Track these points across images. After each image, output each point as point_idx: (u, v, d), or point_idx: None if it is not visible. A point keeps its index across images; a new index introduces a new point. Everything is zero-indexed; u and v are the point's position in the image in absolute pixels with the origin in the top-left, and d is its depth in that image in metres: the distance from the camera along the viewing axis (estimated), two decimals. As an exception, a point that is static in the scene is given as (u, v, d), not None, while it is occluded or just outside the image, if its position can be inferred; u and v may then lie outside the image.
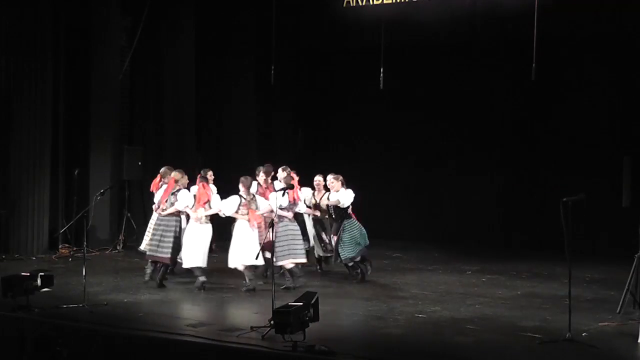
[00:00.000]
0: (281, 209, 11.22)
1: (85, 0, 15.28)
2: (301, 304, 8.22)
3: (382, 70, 13.97)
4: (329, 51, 17.21)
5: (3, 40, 14.31)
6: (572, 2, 13.88)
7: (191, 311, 10.25)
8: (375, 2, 15.35)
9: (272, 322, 8.34)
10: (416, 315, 9.78)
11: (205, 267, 11.44)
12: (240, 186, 11.20)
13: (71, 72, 15.24)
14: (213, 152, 16.71)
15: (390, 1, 15.18)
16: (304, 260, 11.61)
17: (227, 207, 11.21)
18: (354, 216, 12.07)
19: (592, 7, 13.74)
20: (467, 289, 11.52)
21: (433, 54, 16.18)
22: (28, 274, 10.04)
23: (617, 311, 9.64)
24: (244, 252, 11.08)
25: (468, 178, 16.17)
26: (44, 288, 10.07)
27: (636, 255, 9.55)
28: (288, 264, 11.31)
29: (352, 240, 11.88)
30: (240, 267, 11.20)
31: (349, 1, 15.74)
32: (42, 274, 10.12)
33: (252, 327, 8.72)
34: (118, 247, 15.10)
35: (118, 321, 9.34)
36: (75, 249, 14.61)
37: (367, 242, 12.06)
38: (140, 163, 15.47)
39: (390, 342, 8.59)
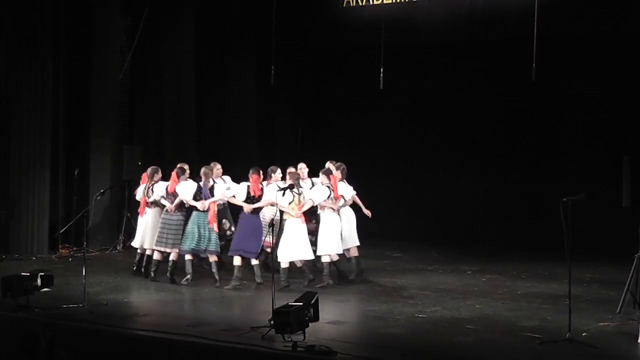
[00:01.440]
0: (164, 198, 11.99)
1: (85, 0, 15.28)
2: (301, 304, 8.23)
3: (382, 70, 13.98)
4: (329, 51, 17.20)
5: (3, 40, 14.32)
6: (572, 2, 13.87)
7: (191, 311, 10.25)
8: (375, 2, 15.34)
9: (272, 322, 8.34)
10: (416, 315, 9.78)
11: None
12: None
13: (71, 72, 15.23)
14: (213, 152, 16.67)
15: (390, 1, 15.16)
16: (175, 251, 11.83)
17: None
18: (210, 214, 11.69)
19: (592, 7, 13.73)
20: (467, 289, 11.52)
21: (433, 54, 16.17)
22: (28, 274, 10.05)
23: (617, 311, 9.64)
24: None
25: (468, 178, 16.17)
26: (44, 288, 10.07)
27: (636, 255, 9.55)
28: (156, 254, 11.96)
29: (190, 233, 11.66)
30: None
31: (349, 1, 15.73)
32: (42, 274, 10.12)
33: (252, 327, 8.72)
34: (118, 247, 15.10)
35: (118, 321, 9.34)
36: (75, 249, 14.60)
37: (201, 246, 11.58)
38: (140, 163, 15.47)
39: (390, 342, 8.58)
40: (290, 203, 11.28)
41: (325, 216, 11.62)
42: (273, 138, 17.85)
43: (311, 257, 11.51)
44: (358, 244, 11.99)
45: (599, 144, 14.80)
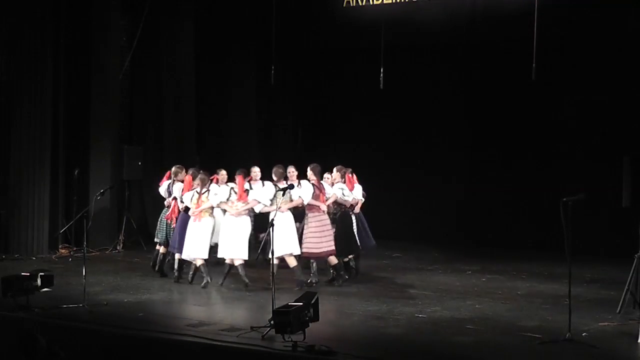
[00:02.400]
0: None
1: (85, 0, 15.28)
2: (301, 304, 8.22)
3: (382, 70, 13.98)
4: (329, 51, 17.20)
5: (3, 40, 14.32)
6: (572, 2, 13.88)
7: (191, 311, 10.26)
8: (375, 2, 15.34)
9: (272, 322, 8.34)
10: (416, 315, 9.78)
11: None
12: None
13: (71, 72, 15.23)
14: (213, 152, 16.71)
15: (390, 1, 15.17)
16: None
17: None
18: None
19: (592, 7, 13.73)
20: (467, 289, 11.52)
21: (433, 54, 16.17)
22: (28, 274, 10.04)
23: (617, 311, 9.64)
24: None
25: (468, 177, 16.17)
26: (44, 288, 10.07)
27: (636, 255, 9.55)
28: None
29: None
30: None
31: (349, 1, 15.74)
32: (42, 274, 10.12)
33: (252, 327, 8.72)
34: (118, 247, 15.11)
35: (118, 321, 9.34)
36: (75, 249, 14.60)
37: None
38: (140, 163, 15.48)
39: (390, 342, 8.59)
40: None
41: (224, 220, 11.64)
42: (273, 138, 17.85)
43: (205, 256, 11.66)
44: (292, 252, 11.38)
45: (599, 144, 14.80)
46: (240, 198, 11.49)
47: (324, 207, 11.58)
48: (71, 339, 8.73)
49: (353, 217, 12.07)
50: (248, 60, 17.21)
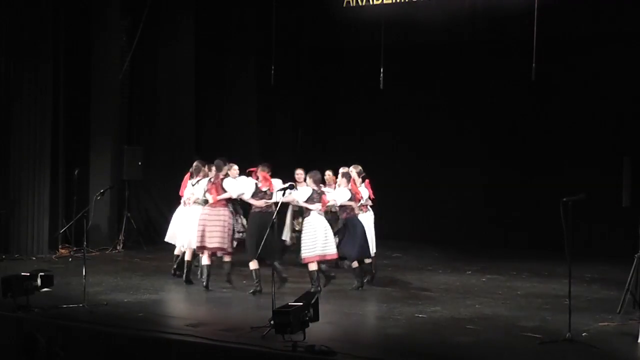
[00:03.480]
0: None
1: (85, 1, 15.28)
2: (301, 304, 8.22)
3: (382, 70, 13.98)
4: (329, 51, 17.21)
5: (3, 40, 14.30)
6: (572, 2, 13.88)
7: (191, 311, 10.26)
8: (375, 2, 15.34)
9: (272, 322, 8.33)
10: (416, 315, 9.78)
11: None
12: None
13: (71, 72, 15.23)
14: (213, 152, 16.66)
15: (390, 1, 15.16)
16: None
17: None
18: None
19: (592, 7, 13.74)
20: (467, 289, 11.52)
21: (433, 54, 16.18)
22: (28, 274, 10.02)
23: (617, 311, 9.64)
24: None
25: (468, 178, 16.17)
26: (44, 288, 10.06)
27: (636, 255, 9.55)
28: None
29: None
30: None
31: (349, 1, 15.73)
32: (42, 274, 10.10)
33: (252, 327, 8.72)
34: (118, 247, 15.10)
35: (118, 321, 9.34)
36: (75, 249, 14.59)
37: None
38: (140, 163, 15.47)
39: (390, 342, 8.59)
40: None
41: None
42: (273, 138, 17.83)
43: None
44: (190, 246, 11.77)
45: (599, 144, 14.80)
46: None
47: (210, 200, 11.47)
48: (71, 339, 8.74)
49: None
50: (248, 60, 17.20)
